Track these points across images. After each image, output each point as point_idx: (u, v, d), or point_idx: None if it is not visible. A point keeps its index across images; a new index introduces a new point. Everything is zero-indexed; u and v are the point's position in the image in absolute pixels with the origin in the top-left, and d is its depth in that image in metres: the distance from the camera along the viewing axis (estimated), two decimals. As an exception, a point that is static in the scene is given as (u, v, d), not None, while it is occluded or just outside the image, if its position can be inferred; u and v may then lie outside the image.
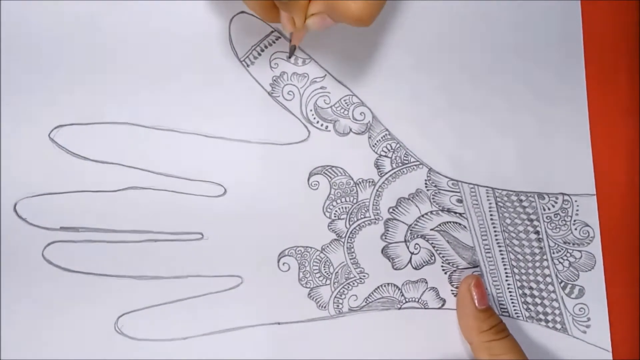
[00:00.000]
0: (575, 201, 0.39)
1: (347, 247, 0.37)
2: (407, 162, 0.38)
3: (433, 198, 0.38)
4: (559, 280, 0.39)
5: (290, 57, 0.37)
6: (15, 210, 0.34)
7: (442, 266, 0.38)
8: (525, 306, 0.39)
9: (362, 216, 0.38)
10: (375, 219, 0.38)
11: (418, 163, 0.38)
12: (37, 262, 0.35)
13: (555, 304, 0.39)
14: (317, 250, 0.37)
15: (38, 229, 0.35)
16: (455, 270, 0.38)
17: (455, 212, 0.39)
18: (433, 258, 0.38)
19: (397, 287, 0.38)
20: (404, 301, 0.38)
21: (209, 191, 0.36)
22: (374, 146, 0.38)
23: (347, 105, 0.38)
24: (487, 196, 0.39)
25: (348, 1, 0.29)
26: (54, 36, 0.35)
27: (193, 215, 0.36)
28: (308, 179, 0.37)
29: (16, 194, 0.35)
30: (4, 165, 0.35)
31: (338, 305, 0.37)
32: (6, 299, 0.34)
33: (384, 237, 0.38)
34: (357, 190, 0.38)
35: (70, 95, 0.35)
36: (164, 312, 0.35)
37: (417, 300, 0.38)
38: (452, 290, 0.38)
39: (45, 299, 0.35)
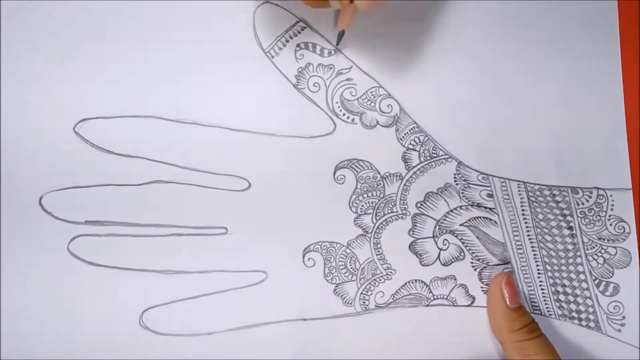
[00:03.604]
0: (611, 196, 0.38)
1: (373, 243, 0.37)
2: (435, 155, 0.37)
3: (462, 192, 0.38)
4: (593, 278, 0.38)
5: (338, 44, 0.36)
6: (40, 204, 0.35)
7: (471, 262, 0.37)
8: (557, 304, 0.38)
9: (389, 211, 0.37)
10: (403, 214, 0.37)
11: (447, 156, 0.38)
12: (63, 255, 0.35)
13: (589, 302, 0.38)
14: (343, 246, 0.37)
15: (63, 223, 0.35)
16: (485, 267, 0.38)
17: (486, 207, 0.38)
18: (462, 254, 0.37)
19: (425, 283, 0.37)
20: (432, 298, 0.37)
21: (233, 185, 0.36)
22: (401, 139, 0.37)
23: (374, 97, 0.37)
24: (519, 190, 0.38)
25: None
26: (79, 29, 0.35)
27: (217, 209, 0.36)
28: (334, 173, 0.37)
29: (42, 187, 0.35)
30: (30, 159, 0.35)
31: (364, 302, 0.37)
32: (32, 293, 0.35)
33: (411, 232, 0.37)
34: (384, 185, 0.37)
35: (95, 88, 0.35)
36: (189, 307, 0.35)
37: (445, 297, 0.37)
38: (482, 288, 0.37)
39: (70, 293, 0.35)
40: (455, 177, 0.38)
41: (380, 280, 0.37)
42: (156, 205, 0.35)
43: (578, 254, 0.38)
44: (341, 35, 0.36)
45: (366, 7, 0.30)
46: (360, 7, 0.30)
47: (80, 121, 0.35)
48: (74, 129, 0.35)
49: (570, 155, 0.38)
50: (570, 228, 0.38)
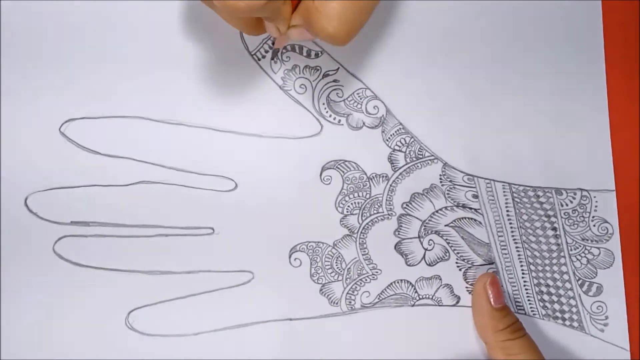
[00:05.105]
0: (594, 197, 0.39)
1: (359, 243, 0.37)
2: (421, 156, 0.38)
3: (448, 193, 0.38)
4: (577, 278, 0.38)
5: (272, 59, 0.36)
6: (26, 205, 0.35)
7: (456, 263, 0.38)
8: (541, 304, 0.38)
9: (375, 211, 0.37)
10: (389, 215, 0.37)
11: (433, 158, 0.38)
12: (48, 256, 0.35)
13: (572, 302, 0.38)
14: (329, 246, 0.37)
15: (49, 223, 0.35)
16: (470, 267, 0.38)
17: (471, 208, 0.38)
18: (447, 254, 0.38)
19: (411, 283, 0.37)
20: (417, 298, 0.37)
21: (220, 186, 0.36)
22: (387, 140, 0.37)
23: (361, 98, 0.37)
24: (504, 191, 0.38)
25: (324, 20, 0.28)
26: (64, 30, 0.35)
27: (204, 209, 0.36)
28: (320, 174, 0.37)
29: (27, 188, 0.35)
30: (15, 159, 0.35)
31: (350, 302, 0.37)
32: (17, 294, 0.34)
33: (397, 232, 0.37)
34: (370, 185, 0.37)
35: (80, 89, 0.35)
36: (175, 308, 0.35)
37: (431, 297, 0.37)
38: (467, 288, 0.38)
39: (55, 294, 0.35)
40: (440, 178, 0.38)
41: (366, 280, 0.37)
42: (142, 205, 0.35)
43: (562, 254, 0.38)
44: (276, 52, 0.36)
45: (297, 37, 0.30)
46: (292, 37, 0.30)
47: (66, 121, 0.35)
48: (59, 129, 0.35)
49: (555, 156, 0.39)
50: (555, 229, 0.38)
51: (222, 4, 0.26)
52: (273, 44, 0.36)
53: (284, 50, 0.37)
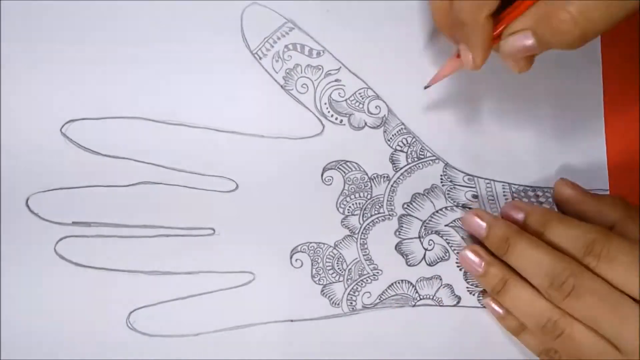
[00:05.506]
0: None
1: (360, 243, 0.37)
2: (423, 157, 0.38)
3: (448, 193, 0.38)
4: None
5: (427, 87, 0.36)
6: (27, 205, 0.34)
7: (456, 263, 0.38)
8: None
9: (376, 212, 0.37)
10: (389, 215, 0.37)
11: (434, 158, 0.38)
12: (49, 257, 0.34)
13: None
14: (330, 247, 0.37)
15: (50, 224, 0.35)
16: (470, 268, 0.38)
17: (471, 208, 0.38)
18: (447, 254, 0.38)
19: (412, 284, 0.37)
20: (418, 298, 0.37)
21: (221, 186, 0.36)
22: (389, 140, 0.37)
23: (362, 98, 0.37)
24: (504, 191, 0.38)
25: (569, 20, 0.26)
26: (65, 31, 0.35)
27: (205, 210, 0.36)
28: (322, 174, 0.37)
29: (28, 188, 0.34)
30: (16, 160, 0.34)
31: (351, 303, 0.37)
32: (17, 294, 0.34)
33: (397, 233, 0.37)
34: (371, 186, 0.37)
35: (81, 90, 0.35)
36: (176, 308, 0.35)
37: (431, 297, 0.37)
38: (467, 288, 0.38)
39: (56, 294, 0.34)
40: (441, 179, 0.38)
41: (367, 280, 0.37)
42: (144, 206, 0.35)
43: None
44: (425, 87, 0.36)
45: (516, 48, 0.29)
46: (507, 49, 0.29)
47: (67, 122, 0.35)
48: (60, 130, 0.35)
49: (552, 156, 0.39)
50: (554, 228, 0.39)
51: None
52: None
53: (285, 50, 0.37)
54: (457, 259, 0.38)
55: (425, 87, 0.36)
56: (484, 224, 0.35)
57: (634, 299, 0.31)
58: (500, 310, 0.35)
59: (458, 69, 0.33)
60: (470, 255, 0.35)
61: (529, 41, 0.28)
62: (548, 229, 0.33)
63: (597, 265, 0.31)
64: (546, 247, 0.33)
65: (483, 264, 0.34)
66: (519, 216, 0.35)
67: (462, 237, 0.38)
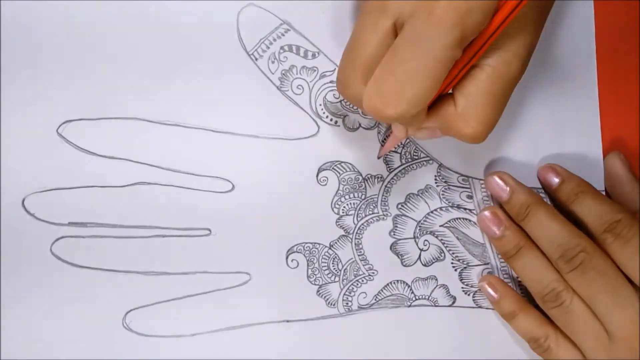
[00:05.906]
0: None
1: (355, 243, 0.37)
2: (417, 157, 0.38)
3: (442, 194, 0.38)
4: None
5: (379, 157, 0.37)
6: (23, 206, 0.34)
7: (452, 263, 0.38)
8: (535, 303, 0.38)
9: (371, 212, 0.37)
10: (384, 215, 0.38)
11: (428, 158, 0.38)
12: (46, 257, 0.34)
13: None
14: (326, 247, 0.37)
15: (46, 224, 0.34)
16: (465, 267, 0.38)
17: (465, 209, 0.38)
18: (442, 255, 0.38)
19: (407, 284, 0.37)
20: (413, 299, 0.38)
21: (217, 187, 0.36)
22: (383, 141, 0.38)
23: (357, 100, 0.37)
24: (498, 192, 0.38)
25: (461, 123, 0.29)
26: (62, 30, 0.35)
27: (201, 211, 0.36)
28: (317, 175, 0.37)
29: (24, 189, 0.34)
30: (13, 161, 0.34)
31: (347, 303, 0.37)
32: (14, 295, 0.34)
33: (392, 233, 0.38)
34: (365, 186, 0.37)
35: (78, 90, 0.35)
36: (172, 309, 0.35)
37: (427, 297, 0.38)
38: (462, 288, 0.38)
39: (53, 295, 0.34)
40: (436, 179, 0.38)
41: (362, 281, 0.37)
42: (140, 206, 0.35)
43: (555, 254, 0.39)
44: (384, 151, 0.37)
45: (425, 137, 0.32)
46: (419, 137, 0.32)
47: (64, 123, 0.35)
48: (57, 130, 0.35)
49: (547, 157, 0.39)
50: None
51: (369, 108, 0.27)
52: (383, 141, 0.36)
53: (281, 51, 0.37)
54: (452, 259, 0.38)
55: (378, 158, 0.37)
56: (506, 188, 0.36)
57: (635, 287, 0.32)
58: (495, 295, 0.36)
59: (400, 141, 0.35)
60: (490, 216, 0.36)
61: (437, 134, 0.32)
62: (580, 199, 0.35)
63: (612, 242, 0.33)
64: (564, 220, 0.34)
65: (502, 227, 0.35)
66: (555, 180, 0.36)
67: (457, 238, 0.38)
